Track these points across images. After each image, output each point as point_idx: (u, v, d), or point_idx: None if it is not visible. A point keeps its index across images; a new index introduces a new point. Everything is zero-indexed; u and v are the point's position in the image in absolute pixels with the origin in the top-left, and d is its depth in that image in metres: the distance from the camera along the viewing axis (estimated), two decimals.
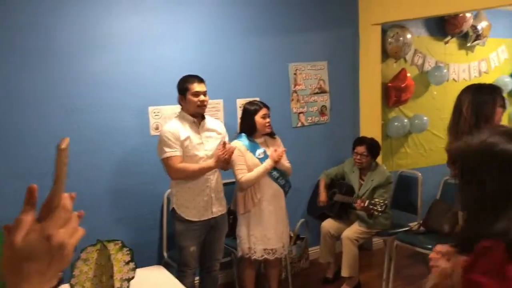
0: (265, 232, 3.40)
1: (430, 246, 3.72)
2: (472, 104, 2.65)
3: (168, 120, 3.48)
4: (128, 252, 2.34)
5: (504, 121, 4.84)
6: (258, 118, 3.37)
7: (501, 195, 1.20)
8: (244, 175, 3.32)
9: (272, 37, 4.26)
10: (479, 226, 1.23)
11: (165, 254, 3.74)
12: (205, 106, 3.11)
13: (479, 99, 2.64)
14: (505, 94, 5.58)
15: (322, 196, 4.15)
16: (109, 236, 2.53)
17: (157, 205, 3.80)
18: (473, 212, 1.29)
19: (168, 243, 3.73)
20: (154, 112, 3.72)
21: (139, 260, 3.26)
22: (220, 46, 3.99)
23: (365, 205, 3.74)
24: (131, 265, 2.34)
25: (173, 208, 3.20)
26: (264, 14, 4.19)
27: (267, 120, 3.38)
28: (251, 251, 3.44)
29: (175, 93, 3.17)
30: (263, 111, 3.37)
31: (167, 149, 3.02)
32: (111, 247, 2.28)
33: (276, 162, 3.35)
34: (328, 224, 4.14)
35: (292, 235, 4.25)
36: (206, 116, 3.19)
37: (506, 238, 1.14)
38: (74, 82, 3.43)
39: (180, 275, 3.20)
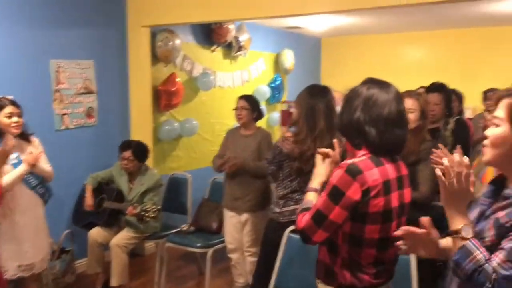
0: (21, 246, 2.99)
1: (199, 245, 3.84)
2: None
3: None
4: None
5: (263, 124, 5.34)
6: (2, 117, 2.94)
7: None
8: None
9: (29, 29, 3.82)
10: None
11: None
12: None
13: None
14: (263, 102, 6.20)
15: (88, 200, 3.90)
16: None
17: None
18: None
19: None
20: None
21: None
22: None
23: (137, 211, 3.64)
24: None
25: None
26: (19, 1, 3.73)
27: (14, 119, 2.97)
28: (2, 270, 2.97)
29: None
30: (8, 109, 2.96)
31: None
32: None
33: (32, 165, 2.97)
34: (96, 233, 3.89)
35: (55, 248, 3.86)
36: None
37: None
38: None
39: None
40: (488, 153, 1.41)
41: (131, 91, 4.66)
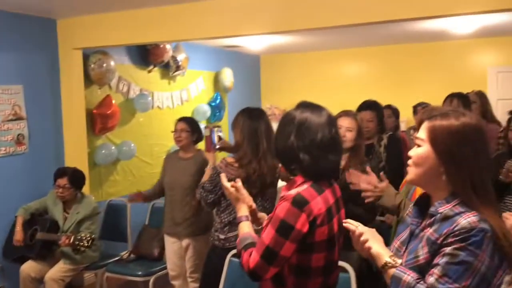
0: None
1: (140, 273, 3.72)
2: None
3: None
4: None
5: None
6: None
7: None
8: None
9: None
10: None
11: None
12: None
13: None
14: (204, 121, 6.17)
15: (18, 235, 3.70)
16: None
17: None
18: None
19: None
20: None
21: None
22: None
23: (71, 241, 3.48)
24: None
25: None
26: None
27: None
28: None
29: None
30: None
31: None
32: None
33: None
34: (29, 267, 3.69)
35: None
36: None
37: None
38: None
39: None
40: (411, 172, 1.47)
41: (64, 115, 4.48)
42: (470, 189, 1.35)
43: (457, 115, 1.40)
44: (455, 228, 1.31)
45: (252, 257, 1.63)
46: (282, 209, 1.62)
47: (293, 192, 1.64)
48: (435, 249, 1.35)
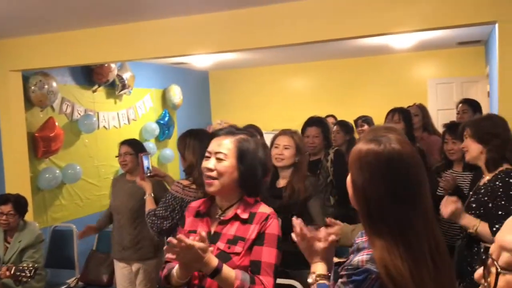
0: None
1: None
2: None
3: None
4: None
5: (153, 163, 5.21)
6: None
7: None
8: None
9: None
10: None
11: None
12: None
13: None
14: (153, 139, 6.07)
15: None
16: None
17: None
18: None
19: None
20: None
21: None
22: None
23: (12, 273, 3.30)
24: None
25: None
26: None
27: None
28: None
29: None
30: None
31: None
32: None
33: None
34: None
35: None
36: None
37: None
38: None
39: None
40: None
41: (3, 140, 4.30)
42: (365, 217, 1.28)
43: (372, 141, 1.29)
44: (349, 263, 1.29)
45: (267, 282, 1.68)
46: (274, 227, 1.76)
47: (267, 210, 1.79)
48: (336, 277, 1.34)
